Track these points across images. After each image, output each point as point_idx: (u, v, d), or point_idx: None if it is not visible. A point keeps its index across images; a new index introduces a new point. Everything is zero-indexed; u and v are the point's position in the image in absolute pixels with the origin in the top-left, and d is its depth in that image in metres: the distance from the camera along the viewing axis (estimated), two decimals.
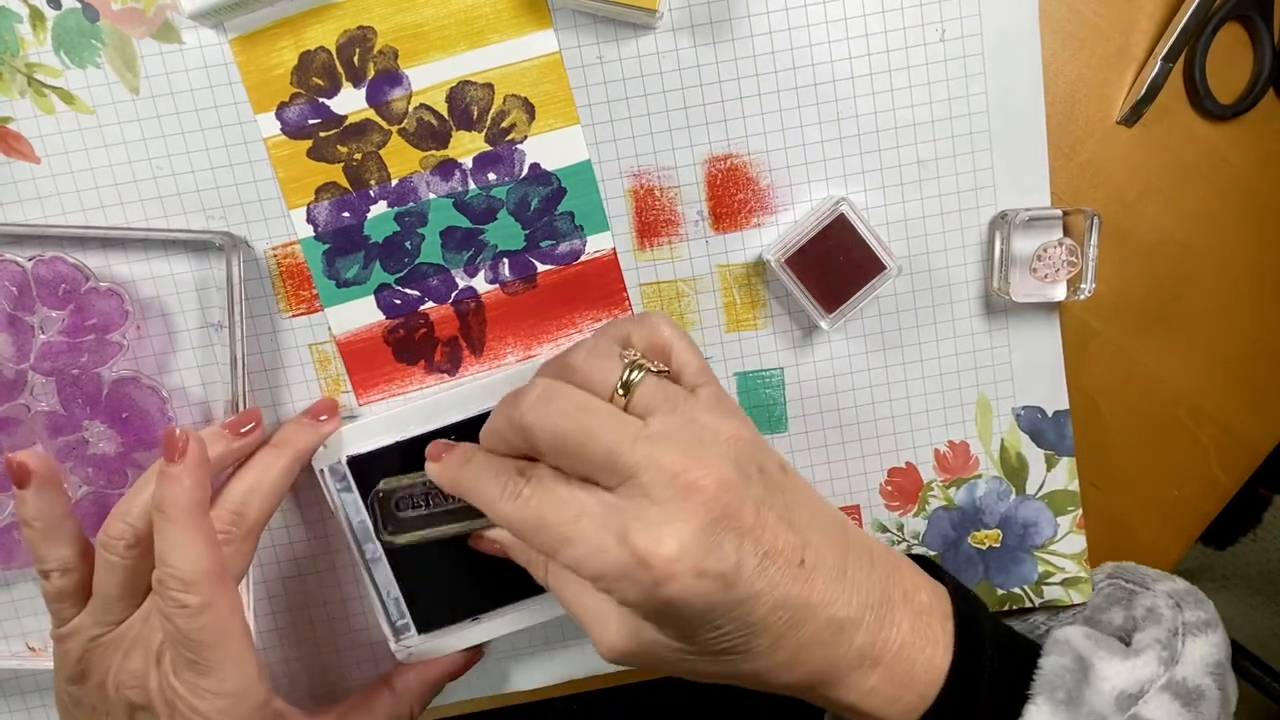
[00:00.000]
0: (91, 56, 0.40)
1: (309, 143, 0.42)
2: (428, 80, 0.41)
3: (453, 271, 0.43)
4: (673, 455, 0.31)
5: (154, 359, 0.43)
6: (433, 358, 0.44)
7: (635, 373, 0.33)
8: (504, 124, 0.42)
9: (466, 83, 0.41)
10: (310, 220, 0.42)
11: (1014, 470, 0.46)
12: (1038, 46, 0.42)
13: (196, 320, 0.43)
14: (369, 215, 0.42)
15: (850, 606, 0.32)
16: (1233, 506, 0.48)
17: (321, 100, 0.41)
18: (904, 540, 0.47)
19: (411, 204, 0.42)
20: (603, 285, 0.44)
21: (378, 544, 0.42)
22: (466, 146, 0.42)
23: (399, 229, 0.43)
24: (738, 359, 0.45)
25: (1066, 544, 0.47)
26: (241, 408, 0.42)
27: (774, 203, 0.43)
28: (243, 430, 0.40)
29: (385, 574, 0.43)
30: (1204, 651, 0.35)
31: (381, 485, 0.41)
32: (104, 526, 0.37)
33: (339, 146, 0.42)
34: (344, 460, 0.42)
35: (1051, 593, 0.47)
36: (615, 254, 0.44)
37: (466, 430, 0.42)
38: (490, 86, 0.42)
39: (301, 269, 0.43)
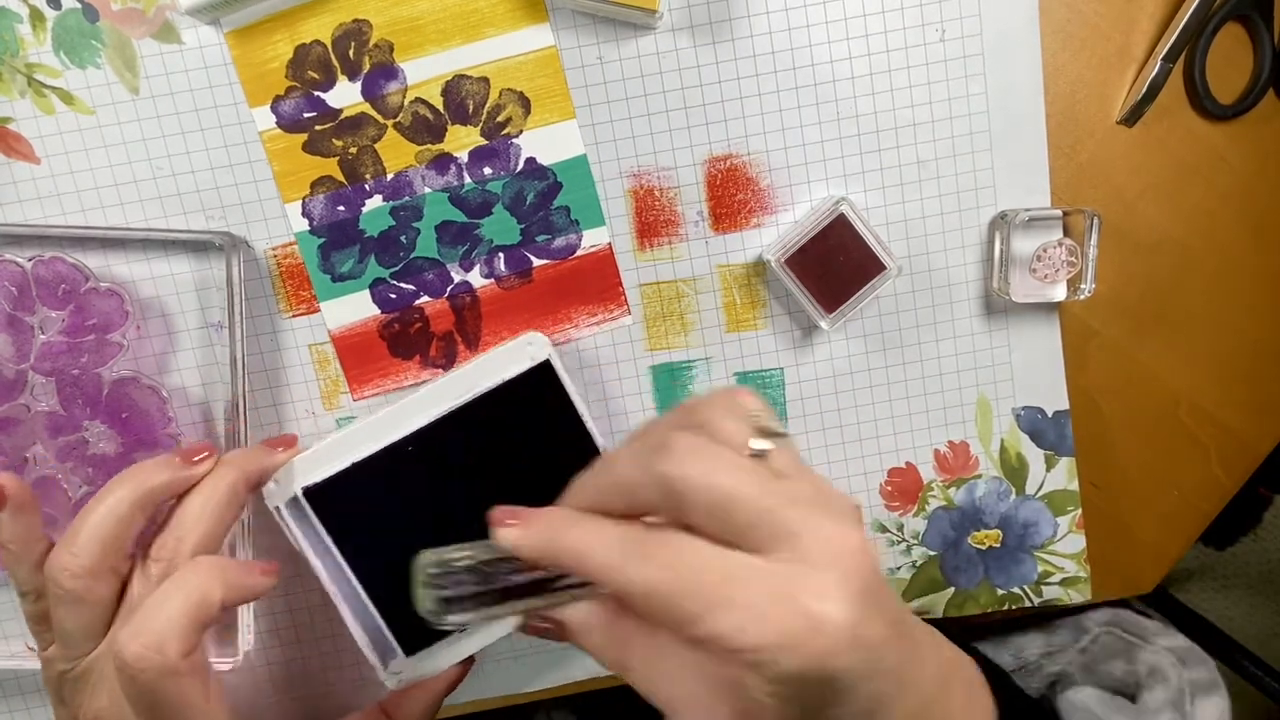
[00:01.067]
0: (91, 57, 0.40)
1: (304, 136, 0.42)
2: (423, 74, 0.41)
3: (448, 266, 0.43)
4: (826, 519, 0.29)
5: (154, 359, 0.43)
6: (428, 352, 0.44)
7: (767, 436, 0.31)
8: (500, 118, 0.42)
9: (462, 77, 0.41)
10: (305, 214, 0.42)
11: (1014, 470, 0.46)
12: (1038, 46, 0.42)
13: (196, 320, 0.43)
14: (364, 209, 0.42)
15: (933, 679, 0.31)
16: (1233, 506, 0.48)
17: (317, 94, 0.41)
18: (904, 540, 0.47)
19: (407, 198, 0.42)
20: (599, 280, 0.44)
21: (350, 578, 0.41)
22: (462, 140, 0.42)
23: (394, 223, 0.43)
24: (738, 359, 0.45)
25: (1066, 544, 0.47)
26: (242, 408, 0.42)
27: (774, 203, 0.43)
28: (195, 459, 0.38)
29: (360, 605, 0.41)
30: (1212, 712, 0.37)
31: (429, 562, 0.32)
32: (50, 556, 0.36)
33: (334, 140, 0.42)
34: (299, 493, 0.40)
35: (1051, 592, 0.47)
36: (611, 249, 0.44)
37: (426, 442, 0.40)
38: (486, 80, 0.41)
39: (301, 269, 0.43)
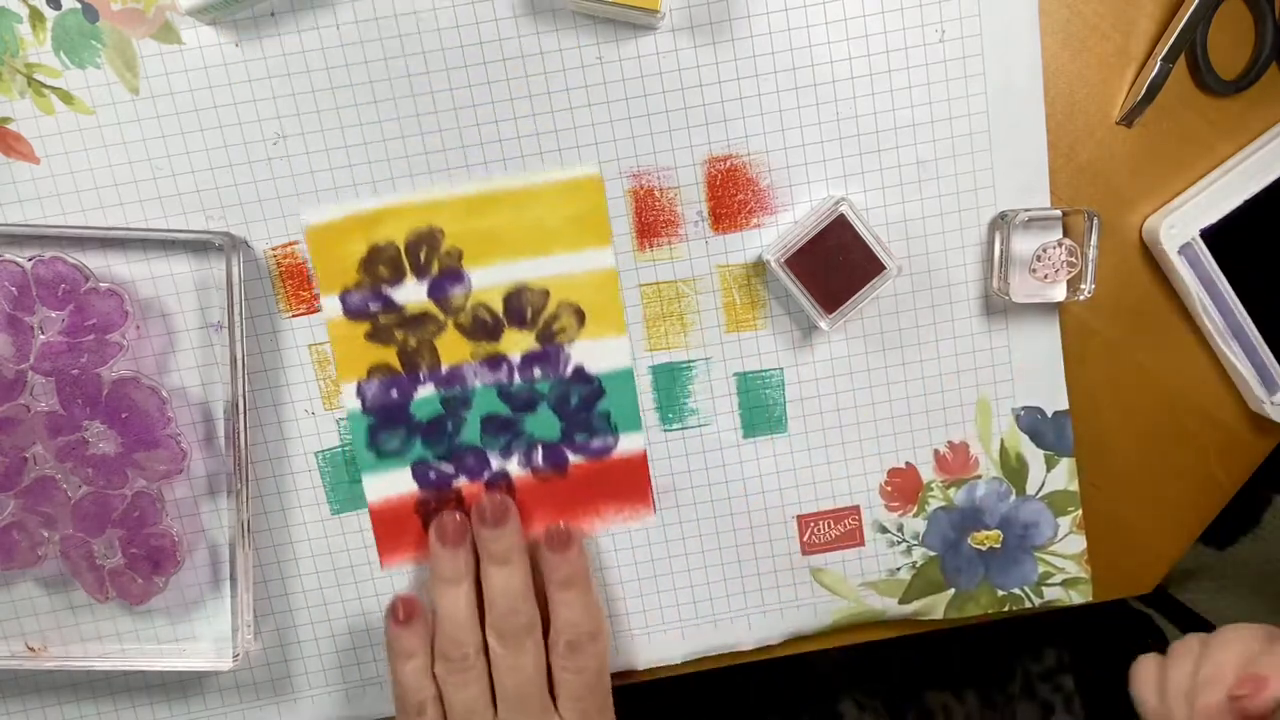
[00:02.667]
0: (91, 57, 0.40)
1: (368, 325, 0.43)
2: (489, 281, 0.43)
3: (489, 453, 0.45)
4: None
5: (154, 359, 0.43)
6: None
7: None
8: (555, 326, 0.44)
9: (525, 287, 0.43)
10: (359, 394, 0.44)
11: (1014, 471, 0.46)
12: (1038, 46, 0.42)
13: (196, 320, 0.43)
14: (416, 396, 0.44)
15: None
16: (1233, 506, 0.48)
17: (384, 289, 0.43)
18: (904, 540, 0.47)
19: (458, 389, 0.44)
20: (630, 483, 0.46)
21: (1242, 317, 0.43)
22: (517, 343, 0.44)
23: (443, 411, 0.44)
24: (738, 359, 0.45)
25: (1067, 544, 0.47)
26: (241, 408, 0.42)
27: (774, 203, 0.43)
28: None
29: (1249, 343, 0.45)
30: None
31: None
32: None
33: (396, 332, 0.44)
34: (1196, 235, 0.42)
35: (1052, 593, 0.47)
36: (645, 456, 0.45)
37: None
38: (546, 292, 0.43)
39: (301, 269, 0.43)
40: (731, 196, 0.43)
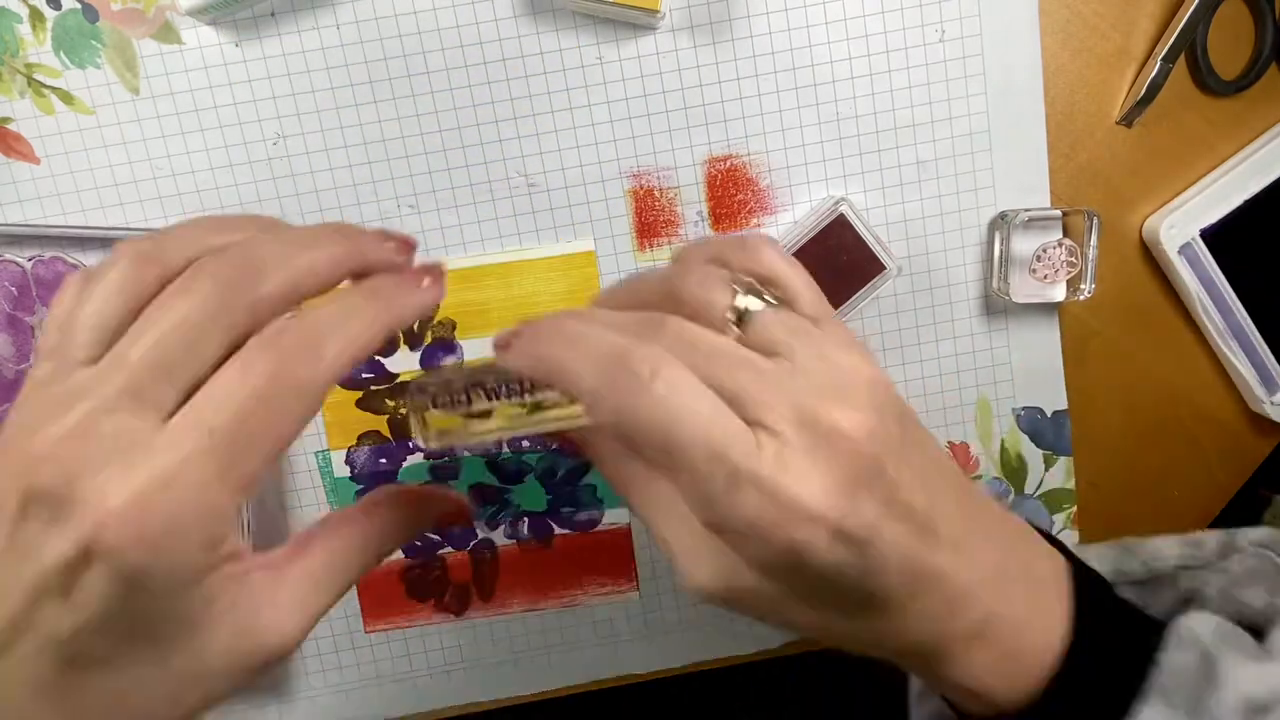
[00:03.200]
0: (91, 57, 0.40)
1: (359, 394, 0.44)
2: (479, 351, 0.44)
3: (475, 523, 0.45)
4: (810, 396, 0.27)
5: None
6: (442, 598, 0.46)
7: (750, 303, 0.29)
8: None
9: None
10: (349, 462, 0.45)
11: (1014, 470, 0.46)
12: (1038, 47, 0.42)
13: None
14: (405, 464, 0.45)
15: (969, 579, 0.29)
16: (1233, 506, 0.48)
17: (377, 358, 0.44)
18: None
19: (446, 459, 0.45)
20: (613, 556, 0.46)
21: (1242, 317, 0.43)
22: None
23: (431, 479, 0.45)
24: None
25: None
26: None
27: (774, 203, 0.43)
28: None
29: (1249, 343, 0.44)
30: None
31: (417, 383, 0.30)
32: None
33: (387, 400, 0.44)
34: (1196, 236, 0.42)
35: None
36: (630, 530, 0.46)
37: None
38: None
39: None
40: (731, 196, 0.43)
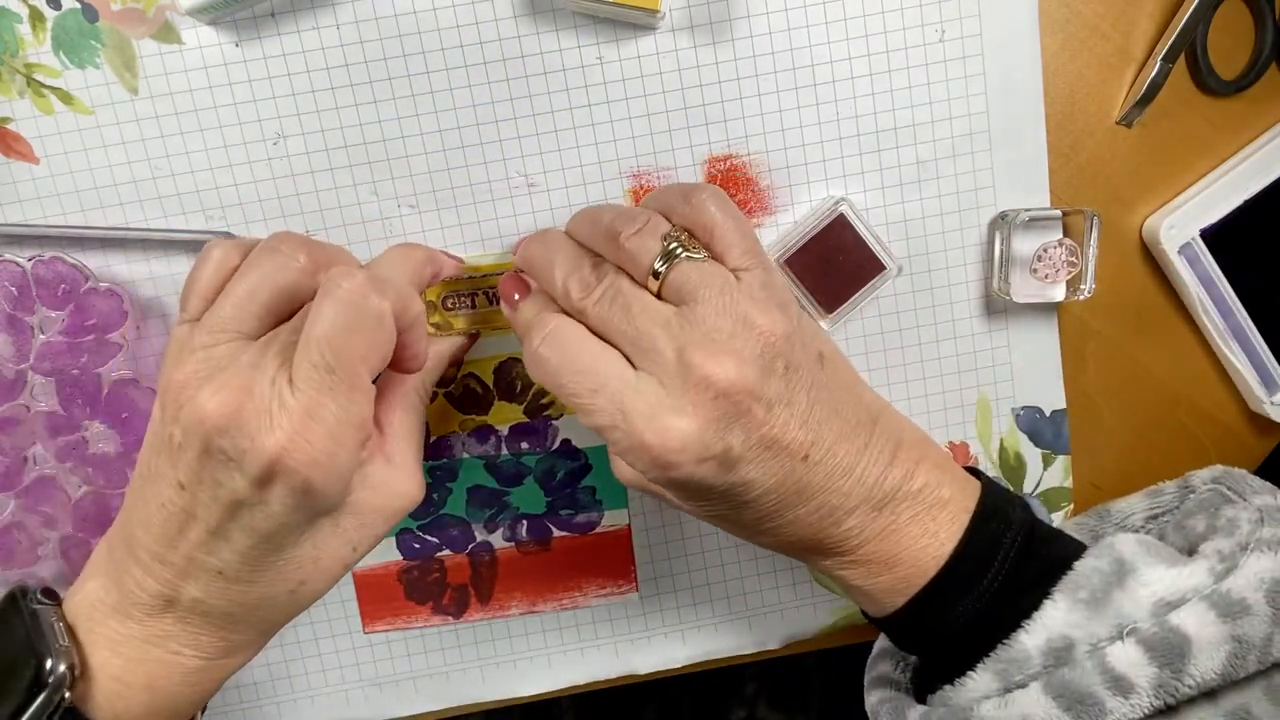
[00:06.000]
0: (91, 57, 0.40)
1: None
2: (480, 352, 0.44)
3: (473, 525, 0.45)
4: (692, 347, 0.31)
5: (154, 359, 0.43)
6: (441, 600, 0.46)
7: (673, 254, 0.33)
8: (543, 400, 0.44)
9: (515, 359, 0.43)
10: None
11: (1013, 470, 0.46)
12: (1037, 46, 0.42)
13: None
14: None
15: (847, 497, 0.33)
16: None
17: None
18: None
19: (445, 460, 0.44)
20: (612, 558, 0.46)
21: (1242, 317, 0.44)
22: (505, 415, 0.44)
23: (430, 481, 0.44)
24: None
25: None
26: None
27: (774, 203, 0.43)
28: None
29: (1249, 343, 0.44)
30: (1264, 566, 0.31)
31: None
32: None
33: None
34: (1196, 236, 0.42)
35: None
36: (629, 531, 0.46)
37: None
38: None
39: None
40: (731, 196, 0.43)
